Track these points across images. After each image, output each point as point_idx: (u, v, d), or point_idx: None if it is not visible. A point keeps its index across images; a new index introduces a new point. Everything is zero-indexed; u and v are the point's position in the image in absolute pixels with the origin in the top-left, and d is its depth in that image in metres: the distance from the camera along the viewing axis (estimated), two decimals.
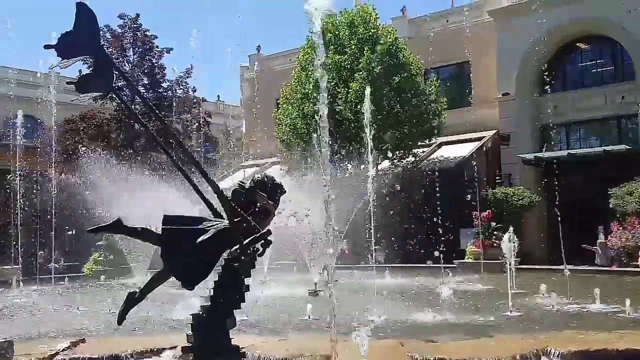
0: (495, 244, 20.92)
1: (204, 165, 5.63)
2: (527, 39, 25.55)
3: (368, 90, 14.94)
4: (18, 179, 22.40)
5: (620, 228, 19.97)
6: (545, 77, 22.10)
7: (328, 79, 24.96)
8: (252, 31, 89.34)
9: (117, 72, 5.77)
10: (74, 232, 27.30)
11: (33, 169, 25.15)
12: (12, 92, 26.17)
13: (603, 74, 26.25)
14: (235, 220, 5.43)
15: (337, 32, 26.12)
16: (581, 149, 25.44)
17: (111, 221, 5.78)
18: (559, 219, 14.76)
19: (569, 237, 16.64)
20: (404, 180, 25.14)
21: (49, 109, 23.25)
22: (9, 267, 21.98)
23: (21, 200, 21.99)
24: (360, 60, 24.68)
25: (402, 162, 26.46)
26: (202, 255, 5.37)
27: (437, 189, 19.22)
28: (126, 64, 33.10)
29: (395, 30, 26.82)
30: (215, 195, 5.51)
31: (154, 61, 34.00)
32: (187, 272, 5.42)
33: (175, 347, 6.75)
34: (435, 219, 17.50)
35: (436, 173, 20.61)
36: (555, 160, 19.38)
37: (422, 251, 22.35)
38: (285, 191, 5.86)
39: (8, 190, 24.35)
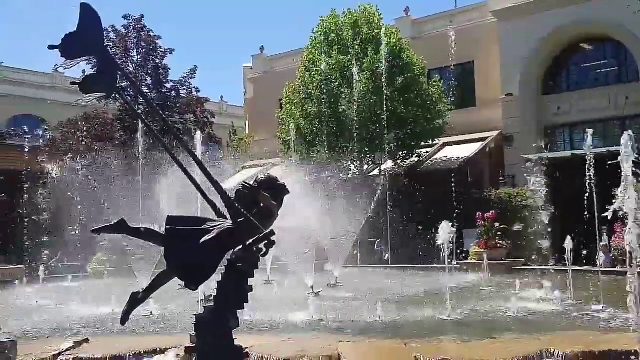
0: (499, 245, 20.88)
1: (207, 166, 5.63)
2: (530, 40, 25.54)
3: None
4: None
5: (624, 229, 19.92)
6: (549, 77, 22.07)
7: (332, 79, 25.00)
8: (255, 31, 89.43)
9: (120, 73, 5.78)
10: (77, 232, 27.35)
11: (38, 169, 25.19)
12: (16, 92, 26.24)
13: (607, 75, 26.21)
14: (238, 220, 5.43)
15: (340, 33, 26.15)
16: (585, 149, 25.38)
17: (115, 221, 5.79)
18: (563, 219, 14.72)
19: (572, 238, 16.52)
20: (407, 180, 25.18)
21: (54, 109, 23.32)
22: (14, 266, 22.04)
23: (26, 200, 22.06)
24: (364, 60, 24.70)
25: (406, 162, 26.48)
26: (206, 255, 5.37)
27: (441, 189, 19.22)
28: (130, 64, 33.13)
29: (399, 30, 26.85)
30: (219, 196, 5.52)
31: (158, 61, 34.04)
32: (190, 273, 5.43)
33: (179, 347, 6.76)
34: (437, 219, 17.38)
35: (440, 173, 20.62)
36: (559, 161, 19.37)
37: (425, 252, 22.35)
38: (288, 192, 5.86)
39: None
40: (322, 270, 17.05)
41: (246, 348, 5.85)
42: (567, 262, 13.80)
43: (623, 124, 25.67)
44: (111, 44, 31.49)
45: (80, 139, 30.63)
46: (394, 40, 25.38)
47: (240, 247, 5.46)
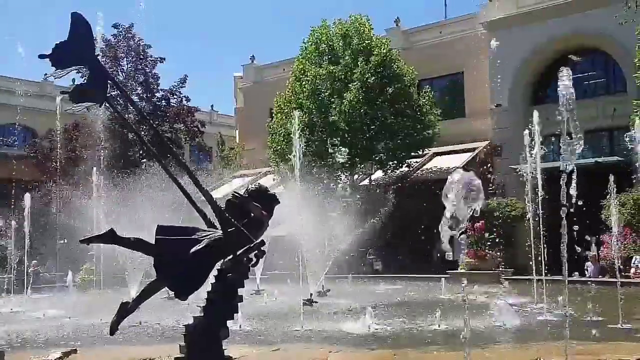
0: (488, 255, 20.95)
1: (197, 175, 5.62)
2: (520, 51, 25.73)
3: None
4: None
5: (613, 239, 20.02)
6: (537, 88, 22.20)
7: (322, 89, 25.06)
8: (246, 41, 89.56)
9: (111, 82, 5.78)
10: (65, 241, 27.17)
11: (27, 178, 25.02)
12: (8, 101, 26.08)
13: (595, 86, 26.42)
14: (228, 230, 5.43)
15: (331, 43, 26.23)
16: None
17: (104, 231, 5.76)
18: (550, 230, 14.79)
19: (560, 248, 16.53)
20: (397, 190, 25.22)
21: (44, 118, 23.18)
22: (1, 276, 21.84)
23: (14, 209, 21.89)
24: (355, 70, 24.76)
25: (396, 172, 26.54)
26: (196, 265, 5.36)
27: (430, 199, 19.21)
28: (120, 73, 33.07)
29: (389, 41, 26.96)
30: (209, 205, 5.51)
31: (148, 70, 33.99)
32: (180, 283, 5.41)
33: (168, 357, 6.72)
34: (427, 229, 17.42)
35: (430, 183, 20.67)
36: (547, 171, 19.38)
37: (415, 262, 22.37)
38: (279, 201, 5.86)
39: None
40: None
41: (236, 358, 5.83)
42: (555, 271, 13.86)
43: (611, 134, 25.87)
44: (101, 53, 31.43)
45: (69, 147, 30.46)
46: (385, 51, 25.50)
47: (231, 257, 5.45)
